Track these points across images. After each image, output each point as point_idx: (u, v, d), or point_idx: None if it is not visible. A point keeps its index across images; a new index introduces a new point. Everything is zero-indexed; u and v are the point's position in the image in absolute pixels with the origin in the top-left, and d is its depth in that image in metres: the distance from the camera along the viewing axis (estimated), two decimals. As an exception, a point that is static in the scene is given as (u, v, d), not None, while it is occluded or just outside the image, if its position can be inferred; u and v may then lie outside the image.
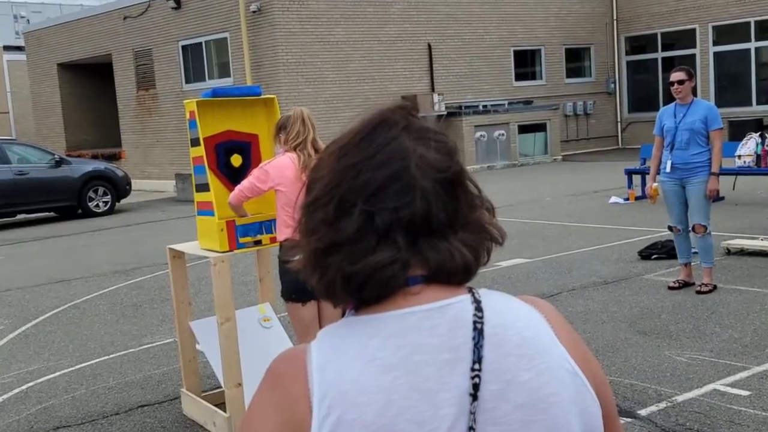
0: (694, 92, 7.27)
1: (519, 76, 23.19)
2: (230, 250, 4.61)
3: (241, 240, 4.64)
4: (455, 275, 1.14)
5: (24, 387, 6.02)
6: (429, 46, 21.13)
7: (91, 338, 7.24)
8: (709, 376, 5.15)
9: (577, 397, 1.12)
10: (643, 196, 12.16)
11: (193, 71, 21.22)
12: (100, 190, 17.04)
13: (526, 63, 23.48)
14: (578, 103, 23.98)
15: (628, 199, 13.08)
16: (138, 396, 5.62)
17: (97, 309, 8.36)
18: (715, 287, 7.18)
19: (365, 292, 1.12)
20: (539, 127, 21.95)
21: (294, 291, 4.48)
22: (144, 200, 19.49)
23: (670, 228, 7.38)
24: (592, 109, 24.30)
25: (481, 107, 21.30)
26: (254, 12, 18.96)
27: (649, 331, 6.19)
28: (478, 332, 1.09)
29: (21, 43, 29.16)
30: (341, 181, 1.14)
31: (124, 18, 22.68)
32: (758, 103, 22.16)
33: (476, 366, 1.07)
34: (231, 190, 4.67)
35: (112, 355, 6.66)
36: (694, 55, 22.93)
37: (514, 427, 1.07)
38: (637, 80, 24.99)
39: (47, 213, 17.17)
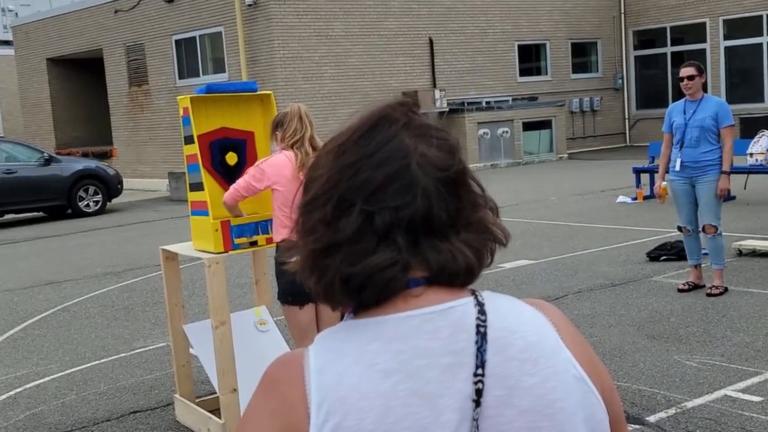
0: (705, 88, 7.26)
1: (523, 72, 23.19)
2: (225, 252, 4.61)
3: (237, 241, 4.64)
4: (457, 277, 1.14)
5: (12, 392, 6.02)
6: (430, 40, 21.13)
7: (81, 342, 7.24)
8: (720, 381, 5.15)
9: (583, 403, 1.12)
10: (651, 196, 12.14)
11: (187, 67, 21.23)
12: (91, 189, 17.04)
13: (530, 58, 23.48)
14: (584, 99, 23.98)
15: (636, 199, 13.08)
16: (130, 402, 5.62)
17: (87, 312, 8.36)
18: (726, 289, 7.18)
19: (365, 294, 1.12)
20: (544, 124, 21.95)
21: (291, 293, 4.48)
22: (136, 200, 19.50)
23: (679, 228, 7.38)
24: (598, 106, 24.31)
25: (484, 104, 21.31)
26: (250, 5, 18.96)
27: (658, 334, 6.19)
28: (481, 336, 1.09)
29: (9, 37, 29.18)
30: (340, 179, 1.14)
31: (116, 11, 22.68)
32: (771, 99, 22.17)
33: (479, 371, 1.07)
34: (226, 189, 4.67)
35: (103, 360, 6.66)
36: (704, 50, 22.94)
37: (518, 434, 1.08)
38: (646, 76, 24.99)
39: (36, 213, 17.17)
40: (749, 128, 18.69)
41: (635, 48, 25.11)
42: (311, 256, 1.15)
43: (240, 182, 4.51)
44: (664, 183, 7.50)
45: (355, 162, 1.14)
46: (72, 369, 6.49)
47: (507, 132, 21.17)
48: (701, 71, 7.14)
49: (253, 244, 4.72)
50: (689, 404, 4.83)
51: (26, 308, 8.75)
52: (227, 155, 4.97)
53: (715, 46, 22.86)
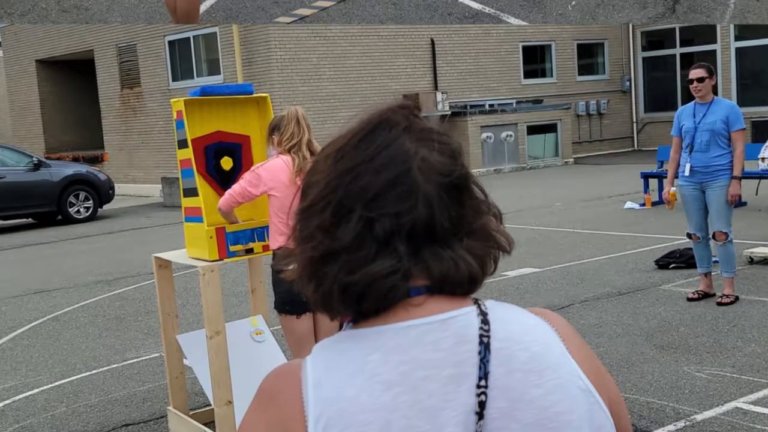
0: (715, 91, 7.27)
1: (528, 74, 23.21)
2: (220, 259, 4.61)
3: (232, 248, 4.63)
4: (460, 286, 1.14)
5: (0, 405, 6.02)
6: (432, 41, 21.16)
7: (71, 353, 7.24)
8: (731, 393, 5.15)
9: (589, 416, 1.12)
10: (660, 202, 12.16)
11: (181, 68, 21.25)
12: (82, 195, 17.03)
13: (535, 59, 23.51)
14: (591, 102, 24.00)
15: (644, 205, 13.08)
16: (122, 414, 5.62)
17: (78, 322, 8.36)
18: (737, 298, 7.17)
19: (364, 303, 1.12)
20: (549, 128, 21.96)
21: (288, 302, 4.48)
22: (128, 206, 19.51)
23: (689, 235, 7.38)
24: (605, 109, 24.32)
25: (487, 107, 21.32)
26: (246, 5, 18.98)
27: (667, 345, 6.19)
28: (485, 347, 1.09)
29: (-3, 38, 29.23)
30: (338, 185, 1.14)
31: (108, 12, 22.69)
32: (783, 102, 22.17)
33: (482, 382, 1.07)
34: (221, 194, 4.67)
35: (94, 371, 6.65)
36: (714, 51, 22.94)
37: (522, 448, 1.08)
38: (654, 78, 25.01)
39: (25, 219, 17.17)
40: (761, 132, 18.71)
41: (643, 49, 25.13)
42: (309, 264, 1.15)
43: (235, 188, 4.51)
44: (673, 188, 7.50)
45: (354, 167, 1.14)
46: (62, 380, 6.48)
47: (511, 136, 21.18)
48: (711, 73, 7.14)
49: (249, 251, 4.72)
50: (699, 417, 4.83)
51: (15, 318, 8.75)
52: (222, 160, 4.97)
53: (726, 48, 22.87)
